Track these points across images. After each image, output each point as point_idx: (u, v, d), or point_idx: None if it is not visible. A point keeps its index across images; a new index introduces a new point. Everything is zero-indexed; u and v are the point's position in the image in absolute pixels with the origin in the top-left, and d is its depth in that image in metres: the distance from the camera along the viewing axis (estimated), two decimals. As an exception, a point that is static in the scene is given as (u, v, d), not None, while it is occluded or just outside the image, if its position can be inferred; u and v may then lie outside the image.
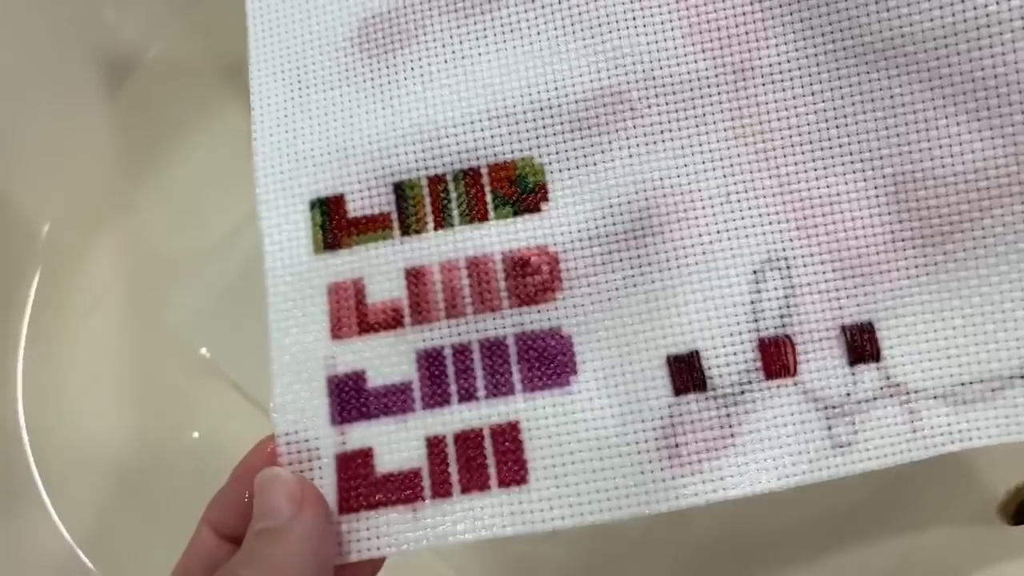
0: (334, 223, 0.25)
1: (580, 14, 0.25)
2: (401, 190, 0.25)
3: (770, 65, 0.25)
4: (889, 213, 0.24)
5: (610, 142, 0.25)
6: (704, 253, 0.24)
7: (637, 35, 0.25)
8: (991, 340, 0.24)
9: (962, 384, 0.24)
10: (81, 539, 0.37)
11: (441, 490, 0.23)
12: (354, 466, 0.24)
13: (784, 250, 0.24)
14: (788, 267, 0.24)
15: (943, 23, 0.23)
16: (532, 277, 0.24)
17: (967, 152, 0.24)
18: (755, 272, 0.24)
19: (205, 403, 0.39)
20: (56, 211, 0.40)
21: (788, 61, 0.25)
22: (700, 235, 0.24)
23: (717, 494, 0.23)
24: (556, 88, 0.25)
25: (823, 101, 0.24)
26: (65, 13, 0.40)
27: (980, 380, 0.24)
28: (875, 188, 0.24)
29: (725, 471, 0.23)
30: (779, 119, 0.25)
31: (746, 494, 0.23)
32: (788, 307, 0.24)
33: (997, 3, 0.23)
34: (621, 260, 0.24)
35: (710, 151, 0.25)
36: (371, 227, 0.25)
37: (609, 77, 0.25)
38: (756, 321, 0.24)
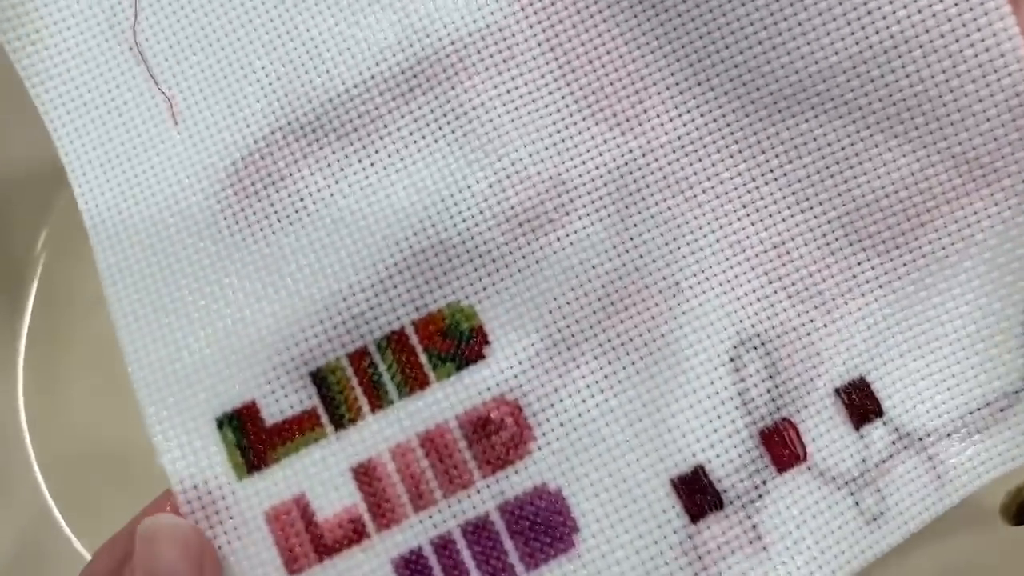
0: (252, 438, 0.21)
1: (466, 134, 0.22)
2: (321, 378, 0.21)
3: (679, 138, 0.23)
4: (845, 257, 0.23)
5: (537, 261, 0.22)
6: (673, 355, 0.22)
7: (532, 142, 0.22)
8: (984, 360, 0.22)
9: (970, 413, 0.22)
10: (81, 534, 0.36)
11: None
12: None
13: (753, 326, 0.22)
14: (762, 343, 0.22)
15: (850, 54, 0.22)
16: (498, 435, 0.21)
17: (907, 176, 0.22)
18: (732, 360, 0.22)
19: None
20: (57, 209, 0.39)
21: (697, 129, 0.23)
22: (663, 336, 0.22)
23: None
24: (464, 220, 0.22)
25: (744, 161, 0.23)
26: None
27: (986, 404, 0.22)
28: (823, 235, 0.23)
29: None
30: (704, 191, 0.22)
31: None
32: (776, 387, 0.22)
33: (899, 23, 0.21)
34: (588, 387, 0.22)
35: (644, 243, 0.22)
36: (297, 431, 0.21)
37: (517, 194, 0.22)
38: (750, 413, 0.22)
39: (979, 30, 0.21)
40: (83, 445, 0.37)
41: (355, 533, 0.20)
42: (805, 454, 0.22)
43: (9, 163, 0.39)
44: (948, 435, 0.22)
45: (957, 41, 0.21)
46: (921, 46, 0.21)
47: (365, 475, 0.21)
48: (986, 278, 0.22)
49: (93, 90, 0.22)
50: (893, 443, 0.22)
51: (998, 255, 0.22)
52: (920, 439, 0.22)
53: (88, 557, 0.35)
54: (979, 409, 0.22)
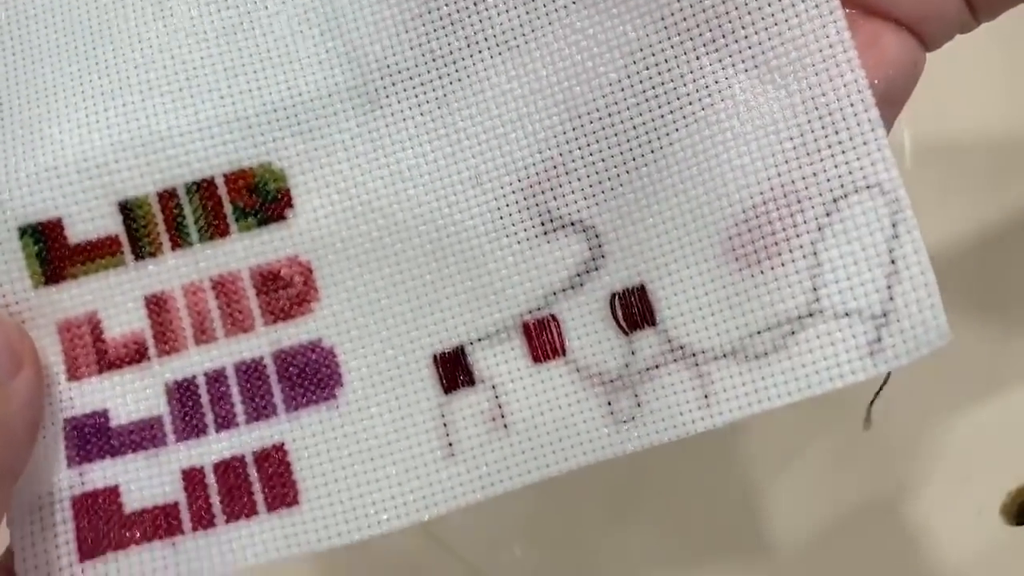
0: (53, 252, 0.23)
1: (307, 12, 0.23)
2: (128, 209, 0.23)
3: (502, 33, 0.23)
4: (633, 158, 0.23)
5: (352, 138, 0.23)
6: (460, 243, 0.23)
7: (367, 28, 0.23)
8: (769, 279, 0.22)
9: (751, 335, 0.22)
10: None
11: (203, 522, 0.22)
12: (96, 506, 0.22)
13: (544, 217, 0.23)
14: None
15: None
16: (285, 291, 0.23)
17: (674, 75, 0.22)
18: (512, 256, 0.23)
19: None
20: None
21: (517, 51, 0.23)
22: (455, 223, 0.23)
23: (496, 487, 0.22)
24: (288, 88, 0.23)
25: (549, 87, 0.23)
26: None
27: (768, 327, 0.22)
28: (606, 137, 0.23)
29: (502, 463, 0.22)
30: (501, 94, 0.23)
31: (528, 483, 0.23)
32: (551, 284, 0.23)
33: None
34: (378, 260, 0.23)
35: (455, 133, 0.23)
36: (98, 253, 0.23)
37: (343, 72, 0.23)
38: (519, 306, 0.23)
39: None
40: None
41: (138, 354, 0.23)
42: (565, 349, 0.23)
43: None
44: (724, 355, 0.22)
45: None
46: None
47: (156, 305, 0.23)
48: (756, 189, 0.22)
49: None
50: (663, 354, 0.23)
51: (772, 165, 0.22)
52: (693, 355, 0.23)
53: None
54: (760, 332, 0.22)
